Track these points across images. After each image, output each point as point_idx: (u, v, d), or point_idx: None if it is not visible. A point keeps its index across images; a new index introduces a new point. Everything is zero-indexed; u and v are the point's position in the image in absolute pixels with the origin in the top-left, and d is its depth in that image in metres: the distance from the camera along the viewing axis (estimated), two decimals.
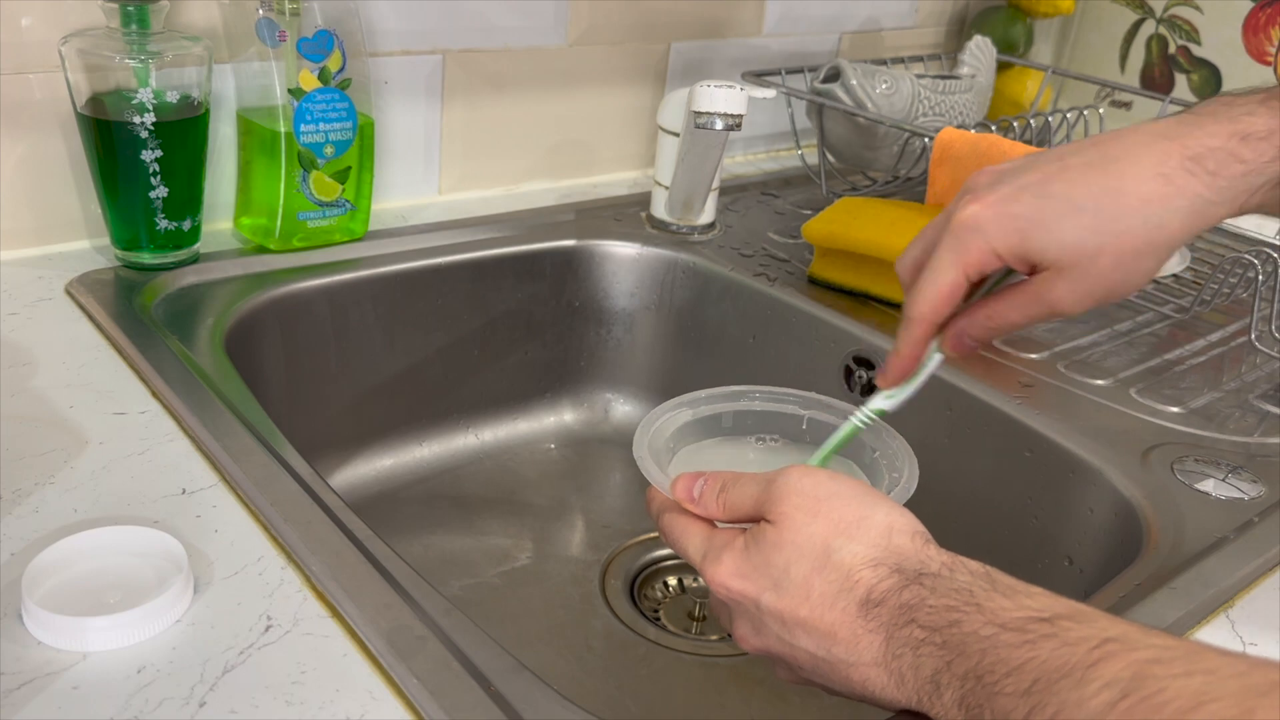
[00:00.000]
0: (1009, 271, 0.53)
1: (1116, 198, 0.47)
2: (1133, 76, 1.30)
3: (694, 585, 0.82)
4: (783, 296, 0.87)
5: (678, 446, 0.58)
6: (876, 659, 0.42)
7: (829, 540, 0.44)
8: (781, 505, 0.46)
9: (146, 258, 0.77)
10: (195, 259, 0.79)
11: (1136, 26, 1.29)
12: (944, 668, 0.39)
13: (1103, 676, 0.35)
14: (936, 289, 0.51)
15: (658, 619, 0.78)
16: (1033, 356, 0.80)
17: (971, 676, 0.38)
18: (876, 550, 0.44)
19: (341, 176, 0.82)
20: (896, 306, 0.86)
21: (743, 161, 1.20)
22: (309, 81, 0.78)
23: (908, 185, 1.05)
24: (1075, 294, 0.49)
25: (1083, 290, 0.49)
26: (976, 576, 0.42)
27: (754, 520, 0.47)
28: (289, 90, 0.77)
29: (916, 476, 0.54)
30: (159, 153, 0.73)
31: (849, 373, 0.83)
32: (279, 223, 0.81)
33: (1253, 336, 0.83)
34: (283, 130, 0.78)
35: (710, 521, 0.50)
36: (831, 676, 0.44)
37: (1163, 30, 1.27)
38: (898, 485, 0.53)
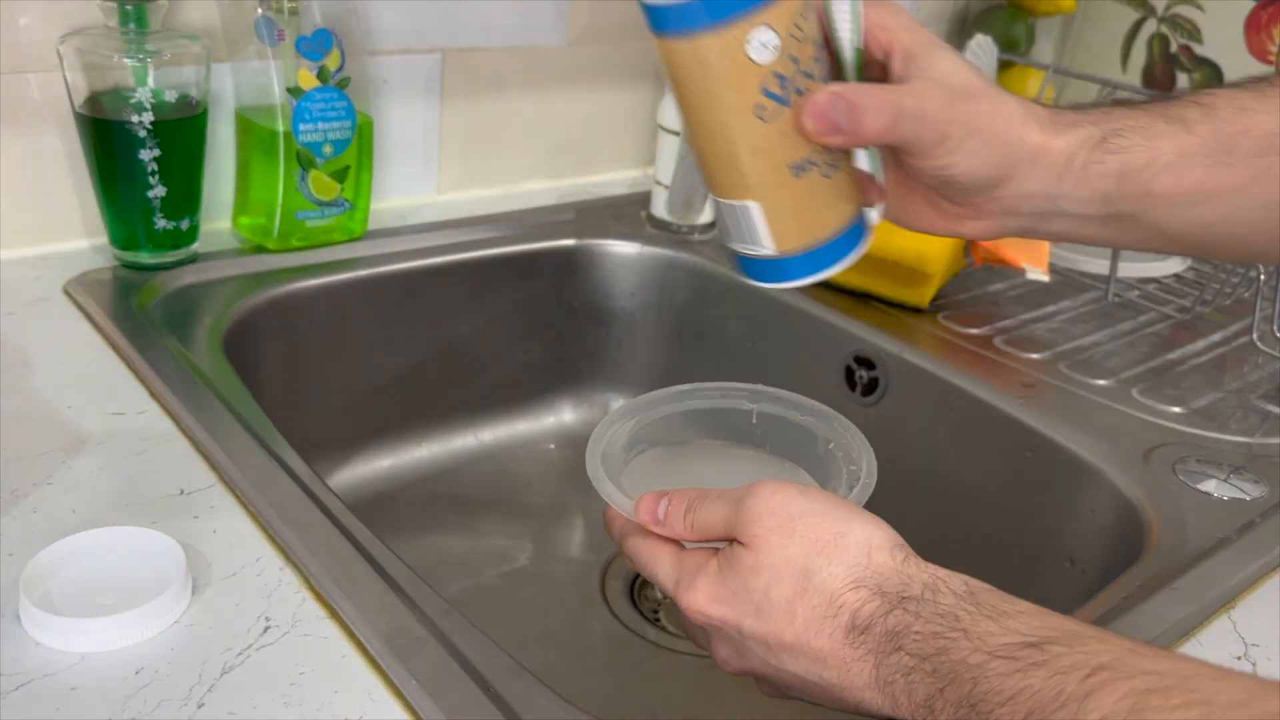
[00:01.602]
0: None
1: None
2: (1134, 75, 1.30)
3: None
4: (783, 296, 0.87)
5: (630, 458, 0.57)
6: (869, 683, 0.41)
7: (808, 562, 0.43)
8: (754, 527, 0.45)
9: (145, 257, 0.77)
10: (193, 259, 0.79)
11: (1138, 25, 1.29)
12: (936, 694, 0.39)
13: (1099, 708, 0.35)
14: None
15: (657, 620, 0.78)
16: (1034, 356, 0.80)
17: (965, 704, 0.38)
18: (857, 570, 0.43)
19: (340, 176, 0.82)
20: (897, 306, 0.86)
21: None
22: (308, 80, 0.77)
23: None
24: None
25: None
26: (960, 598, 0.41)
27: (725, 540, 0.46)
28: (288, 89, 0.77)
29: (875, 470, 0.52)
30: (157, 152, 0.73)
31: (849, 373, 0.83)
32: (277, 222, 0.80)
33: (1254, 336, 0.83)
34: (281, 129, 0.77)
35: (677, 543, 0.48)
36: (822, 696, 0.44)
37: (1164, 29, 1.27)
38: (858, 482, 0.52)
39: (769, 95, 0.44)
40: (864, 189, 0.49)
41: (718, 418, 0.59)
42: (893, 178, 0.50)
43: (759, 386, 0.58)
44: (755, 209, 0.46)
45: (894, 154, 0.49)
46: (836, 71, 0.47)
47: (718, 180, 0.46)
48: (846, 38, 0.47)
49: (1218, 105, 0.49)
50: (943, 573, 0.43)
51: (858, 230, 0.49)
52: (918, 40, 0.48)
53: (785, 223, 0.47)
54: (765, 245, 0.47)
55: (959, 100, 0.46)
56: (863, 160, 0.48)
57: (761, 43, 0.43)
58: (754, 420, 0.58)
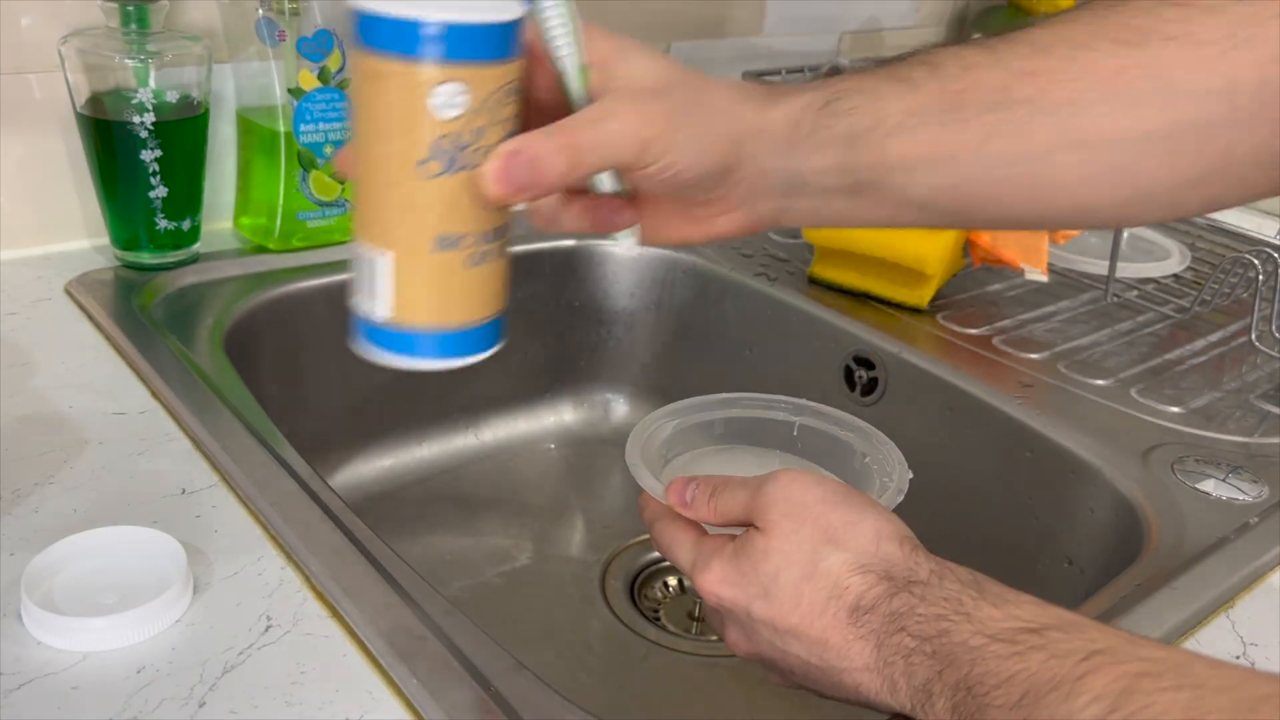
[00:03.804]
0: None
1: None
2: None
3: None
4: (783, 296, 0.87)
5: (670, 455, 0.58)
6: (868, 664, 0.42)
7: (817, 547, 0.44)
8: (770, 512, 0.46)
9: (146, 257, 0.77)
10: (195, 259, 0.79)
11: None
12: (935, 677, 0.39)
13: (1091, 689, 0.35)
14: None
15: (658, 619, 0.78)
16: (1033, 356, 0.80)
17: (962, 687, 0.38)
18: (864, 557, 0.44)
19: (341, 176, 0.82)
20: (896, 306, 0.86)
21: None
22: (308, 81, 0.78)
23: None
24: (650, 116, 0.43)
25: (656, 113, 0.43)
26: (965, 584, 0.42)
27: (744, 525, 0.47)
28: (288, 90, 0.77)
29: (907, 482, 0.54)
30: (158, 152, 0.73)
31: (849, 373, 0.83)
32: (278, 222, 0.80)
33: (1253, 336, 0.83)
34: (282, 130, 0.78)
35: (701, 529, 0.50)
36: (824, 682, 0.44)
37: None
38: (887, 490, 0.53)
39: (436, 155, 0.40)
40: (614, 212, 0.46)
41: (759, 427, 0.60)
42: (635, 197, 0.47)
43: (803, 401, 0.60)
44: (387, 263, 0.42)
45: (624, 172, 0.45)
46: (562, 97, 0.44)
47: (363, 219, 0.42)
48: (567, 54, 0.43)
49: (944, 63, 0.47)
50: (949, 564, 0.43)
51: (493, 329, 0.45)
52: (610, 47, 0.45)
53: (415, 291, 0.42)
54: (383, 308, 0.43)
55: (651, 101, 0.43)
56: (605, 183, 0.45)
57: (448, 98, 0.39)
58: (795, 432, 0.59)
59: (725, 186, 0.46)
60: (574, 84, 0.43)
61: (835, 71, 0.99)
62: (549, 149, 0.41)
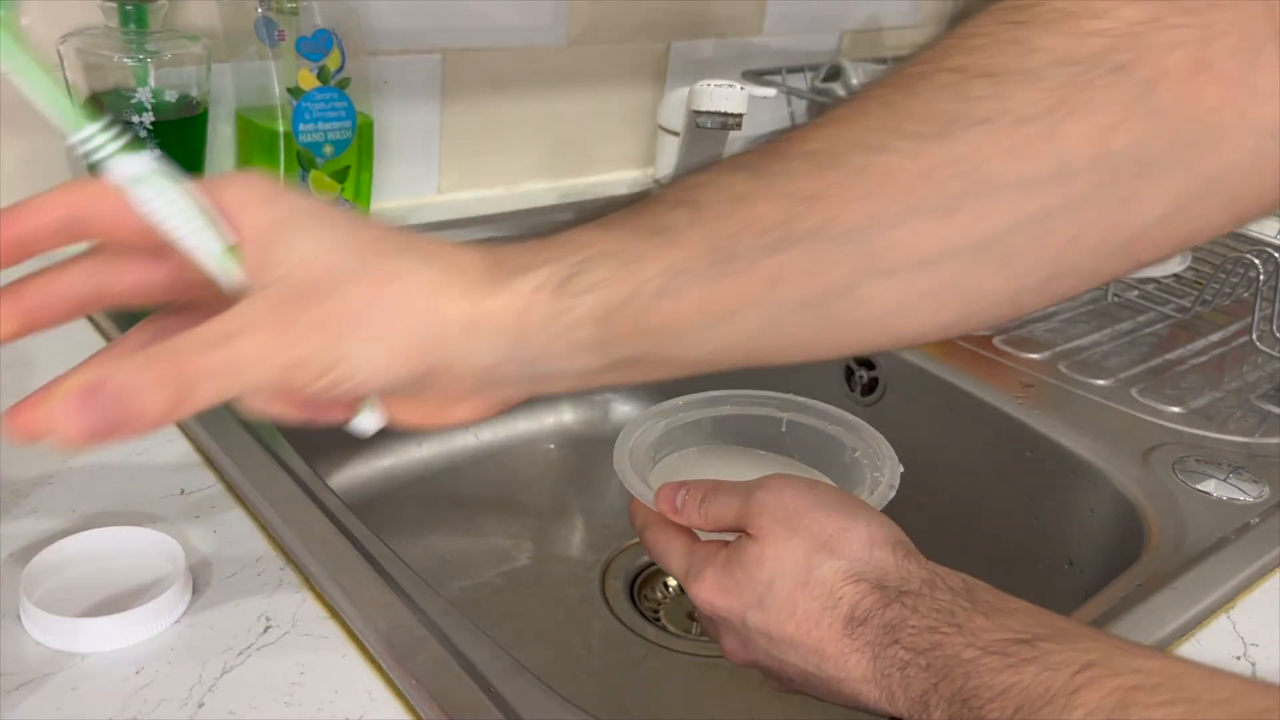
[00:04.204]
0: None
1: None
2: None
3: None
4: None
5: (659, 456, 0.58)
6: (866, 676, 0.42)
7: (810, 555, 0.44)
8: (762, 519, 0.45)
9: None
10: None
11: None
12: (931, 689, 0.39)
13: (1086, 704, 0.35)
14: None
15: (658, 620, 0.78)
16: (1034, 356, 0.80)
17: (958, 700, 0.38)
18: (858, 565, 0.44)
19: (340, 176, 0.82)
20: None
21: None
22: (308, 81, 0.78)
23: None
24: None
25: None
26: (956, 594, 0.42)
27: (736, 531, 0.47)
28: (288, 89, 0.77)
29: (898, 476, 0.53)
30: (158, 152, 0.73)
31: (849, 372, 0.83)
32: None
33: (1254, 336, 0.83)
34: (281, 129, 0.78)
35: (692, 535, 0.49)
36: (822, 690, 0.44)
37: None
38: (878, 488, 0.53)
39: None
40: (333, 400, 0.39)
41: (747, 424, 0.59)
42: None
43: (790, 396, 0.59)
44: None
45: None
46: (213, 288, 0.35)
47: None
48: (194, 244, 0.35)
49: (708, 200, 0.37)
50: (941, 570, 0.43)
51: None
52: (269, 220, 0.35)
53: None
54: None
55: (304, 307, 0.34)
56: None
57: None
58: (783, 429, 0.59)
59: (438, 387, 0.37)
60: (218, 274, 0.35)
61: (836, 72, 0.99)
62: (143, 382, 0.32)
